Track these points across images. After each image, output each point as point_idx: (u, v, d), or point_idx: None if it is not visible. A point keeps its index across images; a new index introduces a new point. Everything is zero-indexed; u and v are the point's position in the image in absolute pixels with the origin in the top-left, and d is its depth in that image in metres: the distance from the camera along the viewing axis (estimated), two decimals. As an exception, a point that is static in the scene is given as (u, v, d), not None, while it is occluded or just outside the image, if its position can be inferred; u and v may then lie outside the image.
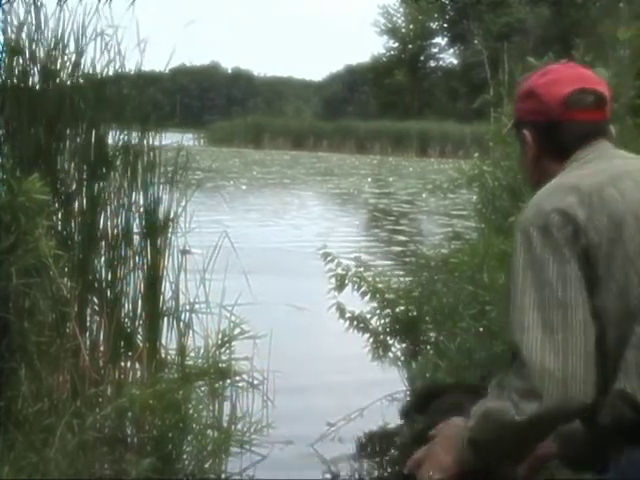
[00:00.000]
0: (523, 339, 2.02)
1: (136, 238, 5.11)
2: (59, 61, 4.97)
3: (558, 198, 2.11)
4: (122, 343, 5.00)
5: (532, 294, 2.05)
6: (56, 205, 4.70)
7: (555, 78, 2.32)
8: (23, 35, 4.85)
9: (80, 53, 5.00)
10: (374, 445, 5.92)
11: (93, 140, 5.04)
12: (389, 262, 12.79)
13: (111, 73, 5.12)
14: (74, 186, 4.99)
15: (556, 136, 2.29)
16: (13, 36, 4.83)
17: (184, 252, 5.13)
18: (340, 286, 6.35)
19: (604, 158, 2.23)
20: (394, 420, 6.27)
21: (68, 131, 5.03)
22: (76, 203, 4.99)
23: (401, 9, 67.19)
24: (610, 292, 2.03)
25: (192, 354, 4.92)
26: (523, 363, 2.02)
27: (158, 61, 5.34)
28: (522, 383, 2.03)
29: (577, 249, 2.04)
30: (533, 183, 2.36)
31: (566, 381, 1.99)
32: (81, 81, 5.09)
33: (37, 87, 4.95)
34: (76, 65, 5.01)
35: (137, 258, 5.09)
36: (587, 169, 2.19)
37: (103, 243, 5.03)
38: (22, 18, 4.83)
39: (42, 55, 4.92)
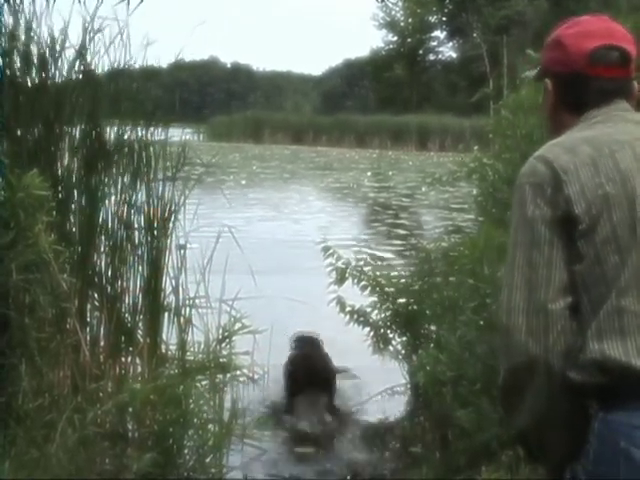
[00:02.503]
0: (506, 296, 2.12)
1: (136, 233, 5.11)
2: (57, 56, 4.96)
3: (555, 158, 2.14)
4: (123, 338, 5.00)
5: (522, 253, 2.12)
6: (56, 200, 4.69)
7: (584, 30, 2.31)
8: (21, 31, 4.84)
9: (79, 49, 4.99)
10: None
11: (92, 135, 5.03)
12: (390, 256, 12.79)
13: (110, 68, 5.11)
14: (74, 181, 4.98)
15: (576, 89, 2.30)
16: (10, 31, 4.82)
17: (180, 247, 5.12)
18: (340, 280, 6.35)
19: (610, 122, 2.23)
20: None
21: (67, 126, 5.03)
22: (76, 198, 4.99)
23: (400, 3, 67.06)
24: (589, 260, 2.08)
25: (193, 349, 4.93)
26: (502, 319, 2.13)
27: (157, 56, 5.34)
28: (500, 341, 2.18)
29: (564, 213, 2.09)
30: (551, 132, 2.38)
31: (528, 341, 2.07)
32: (80, 77, 5.08)
33: (36, 83, 4.95)
34: (75, 60, 5.00)
35: (137, 253, 5.08)
36: (591, 132, 2.21)
37: (103, 238, 5.03)
38: (20, 14, 4.82)
39: (40, 51, 4.91)
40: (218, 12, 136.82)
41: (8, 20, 4.79)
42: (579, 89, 2.29)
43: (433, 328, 5.73)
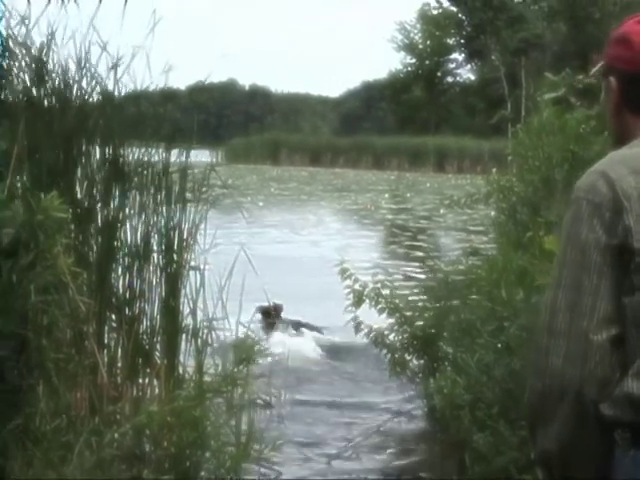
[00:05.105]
0: (548, 317, 2.03)
1: (155, 255, 5.11)
2: (77, 79, 4.99)
3: (618, 179, 2.00)
4: (140, 360, 5.00)
5: (568, 274, 2.01)
6: (75, 222, 4.71)
7: None
8: (40, 52, 4.87)
9: (98, 71, 5.02)
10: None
11: (112, 158, 5.05)
12: (408, 281, 12.77)
13: (130, 91, 5.14)
14: (93, 204, 5.00)
15: None
16: (31, 53, 4.85)
17: (193, 268, 5.12)
18: (358, 302, 6.35)
19: None
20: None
21: (86, 149, 5.05)
22: (95, 220, 5.00)
23: (418, 25, 67.28)
24: (638, 291, 1.97)
25: (210, 371, 4.92)
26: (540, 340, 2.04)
27: (175, 78, 5.37)
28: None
29: (621, 243, 1.97)
30: (614, 135, 2.25)
31: (565, 366, 1.99)
32: (99, 99, 5.11)
33: (55, 105, 4.97)
34: (94, 83, 5.03)
35: (156, 275, 5.09)
36: None
37: (121, 260, 5.04)
38: (42, 36, 4.86)
39: (60, 73, 4.94)
40: (237, 36, 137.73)
41: (29, 42, 4.84)
42: None
43: (451, 351, 5.72)
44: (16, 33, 4.79)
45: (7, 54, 4.79)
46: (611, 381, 1.99)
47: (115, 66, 4.97)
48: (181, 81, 5.50)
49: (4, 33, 4.78)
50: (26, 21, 4.79)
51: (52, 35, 4.84)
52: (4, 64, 4.80)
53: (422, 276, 11.58)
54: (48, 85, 4.91)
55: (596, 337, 1.98)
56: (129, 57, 4.99)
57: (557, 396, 2.03)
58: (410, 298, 6.68)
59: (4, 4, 4.76)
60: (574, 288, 2.00)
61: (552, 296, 2.04)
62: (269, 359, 5.32)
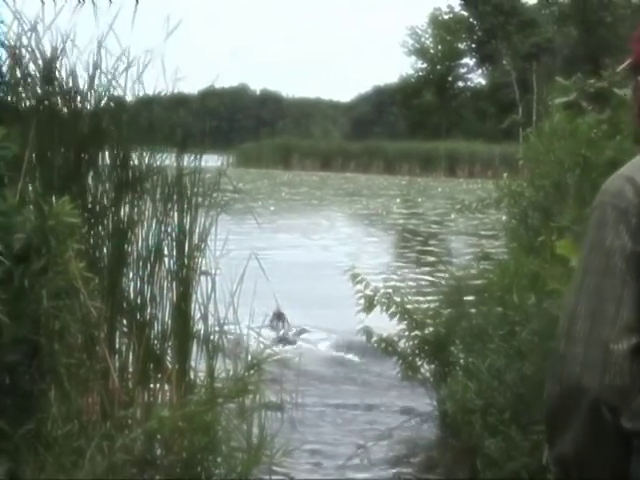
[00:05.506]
0: (566, 324, 1.97)
1: (166, 259, 5.12)
2: (89, 84, 5.00)
3: None
4: (151, 365, 5.01)
5: (591, 281, 1.96)
6: (87, 227, 4.72)
7: None
8: (52, 57, 4.88)
9: (110, 76, 5.03)
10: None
11: (123, 163, 5.06)
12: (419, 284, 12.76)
13: (141, 96, 5.14)
14: (104, 209, 5.01)
15: None
16: (42, 61, 4.87)
17: (204, 273, 5.12)
18: (369, 307, 6.34)
19: None
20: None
21: (98, 153, 5.06)
22: (106, 225, 5.01)
23: (429, 30, 67.33)
24: None
25: (222, 376, 4.92)
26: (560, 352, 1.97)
27: (187, 83, 5.37)
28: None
29: None
30: (639, 135, 2.19)
31: (583, 374, 1.93)
32: (111, 104, 5.12)
33: (67, 109, 4.99)
34: (106, 88, 5.04)
35: (167, 280, 5.09)
36: None
37: (133, 265, 5.04)
38: (53, 44, 4.87)
39: (72, 78, 4.95)
40: (248, 40, 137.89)
41: (41, 47, 4.85)
42: None
43: (462, 356, 5.71)
44: (28, 38, 4.82)
45: (18, 59, 4.80)
46: (631, 391, 1.94)
47: (126, 71, 4.99)
48: (191, 85, 5.49)
49: (14, 37, 4.80)
50: (38, 25, 4.81)
51: (64, 40, 4.86)
52: (16, 69, 4.82)
53: (434, 280, 11.58)
54: (60, 90, 4.92)
55: (617, 346, 1.93)
56: (141, 62, 5.01)
57: (573, 403, 1.99)
58: (422, 303, 6.67)
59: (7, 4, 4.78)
60: (596, 295, 1.95)
61: (572, 302, 1.99)
62: (280, 363, 5.31)
